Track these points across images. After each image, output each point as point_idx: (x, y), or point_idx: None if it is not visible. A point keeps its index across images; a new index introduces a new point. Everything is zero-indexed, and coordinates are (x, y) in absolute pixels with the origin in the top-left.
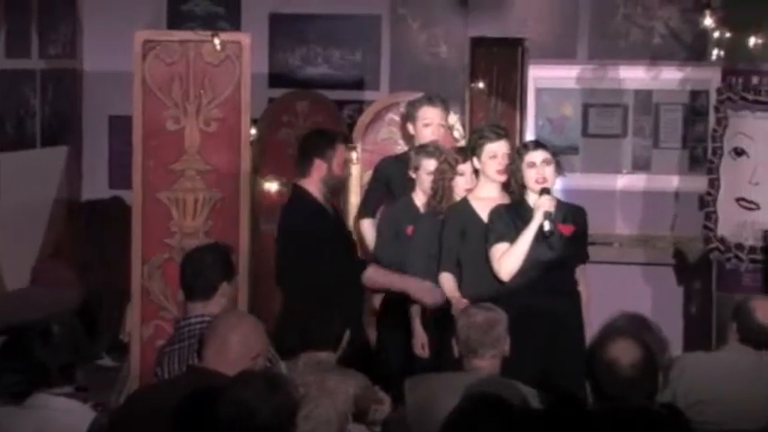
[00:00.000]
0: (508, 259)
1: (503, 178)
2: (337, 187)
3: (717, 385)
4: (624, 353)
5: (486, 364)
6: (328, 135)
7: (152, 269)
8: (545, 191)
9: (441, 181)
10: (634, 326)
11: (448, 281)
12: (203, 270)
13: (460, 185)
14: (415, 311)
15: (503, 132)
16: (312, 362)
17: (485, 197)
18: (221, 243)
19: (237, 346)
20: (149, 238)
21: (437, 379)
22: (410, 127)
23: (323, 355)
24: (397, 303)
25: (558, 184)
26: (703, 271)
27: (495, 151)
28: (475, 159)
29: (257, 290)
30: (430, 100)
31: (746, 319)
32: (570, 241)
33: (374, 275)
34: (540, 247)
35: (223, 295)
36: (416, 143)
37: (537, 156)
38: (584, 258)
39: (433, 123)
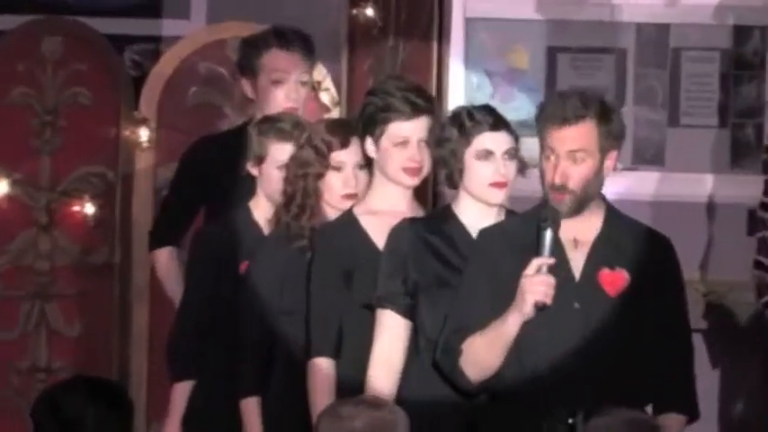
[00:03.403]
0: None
1: (416, 181)
2: None
3: None
4: None
5: None
6: None
7: None
8: (547, 221)
9: (301, 181)
10: None
11: (327, 375)
12: None
13: (335, 189)
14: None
15: (423, 102)
16: None
17: (383, 210)
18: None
19: None
20: None
21: None
22: (247, 86)
23: None
24: None
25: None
26: (755, 341)
27: (408, 135)
28: (368, 143)
29: None
30: (282, 39)
31: None
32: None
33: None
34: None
35: None
36: (258, 114)
37: (494, 140)
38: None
39: (287, 79)
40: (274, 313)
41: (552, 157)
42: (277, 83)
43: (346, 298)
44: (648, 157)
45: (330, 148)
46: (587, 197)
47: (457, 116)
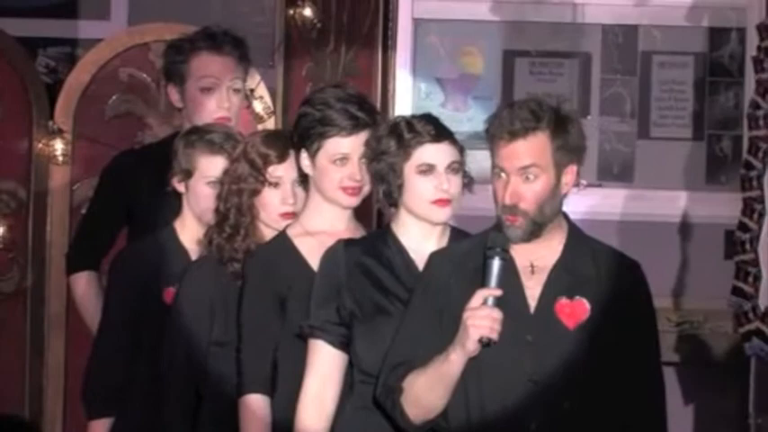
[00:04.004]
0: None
1: (355, 201)
2: None
3: None
4: None
5: None
6: None
7: None
8: (494, 248)
9: (235, 197)
10: None
11: (261, 414)
12: None
13: (272, 206)
14: None
15: (365, 115)
16: None
17: (320, 231)
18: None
19: None
20: None
21: None
22: (173, 93)
23: None
24: None
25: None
26: (733, 376)
27: (348, 151)
28: (303, 158)
29: None
30: (212, 41)
31: None
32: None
33: None
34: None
35: None
36: (186, 124)
37: (436, 153)
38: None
39: (218, 86)
40: (203, 346)
41: (503, 175)
42: (207, 90)
43: (280, 327)
44: (616, 172)
45: (267, 163)
46: (544, 219)
47: (395, 127)
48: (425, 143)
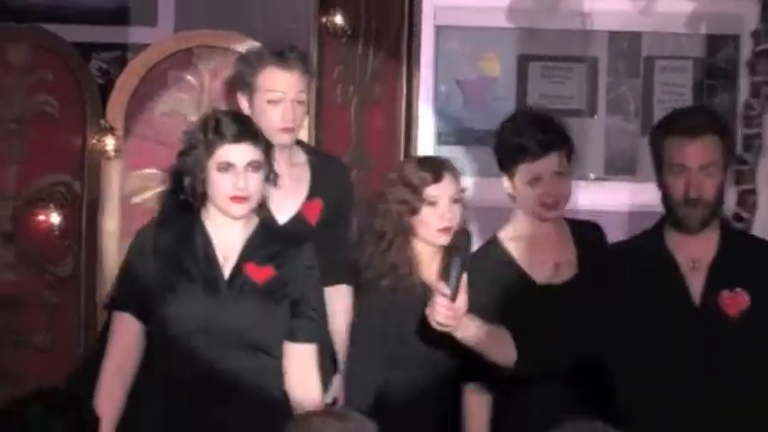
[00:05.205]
0: None
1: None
2: None
3: None
4: None
5: None
6: None
7: None
8: (456, 248)
9: (392, 217)
10: None
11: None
12: None
13: (430, 223)
14: None
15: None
16: None
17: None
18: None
19: None
20: None
21: None
22: (243, 101)
23: None
24: None
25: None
26: None
27: (540, 171)
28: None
29: None
30: (279, 57)
31: None
32: None
33: None
34: None
35: None
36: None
37: (237, 152)
38: None
39: (284, 99)
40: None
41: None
42: (273, 102)
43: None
44: (620, 166)
45: (424, 184)
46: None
47: (203, 125)
48: (226, 143)
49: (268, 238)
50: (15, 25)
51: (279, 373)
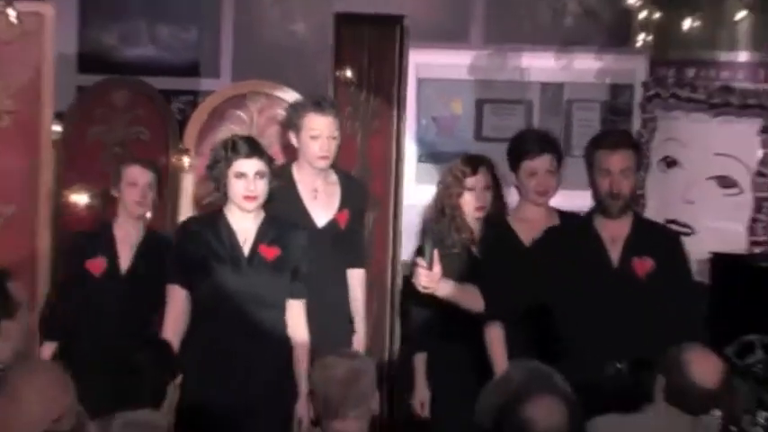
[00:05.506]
0: None
1: (542, 200)
2: None
3: None
4: (545, 414)
5: (350, 426)
6: None
7: None
8: (428, 240)
9: (446, 198)
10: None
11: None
12: None
13: (469, 205)
14: (420, 361)
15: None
16: (132, 424)
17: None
18: None
19: (33, 405)
20: None
21: None
22: (292, 137)
23: (141, 413)
24: None
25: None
26: None
27: (537, 166)
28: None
29: None
30: (318, 105)
31: (677, 374)
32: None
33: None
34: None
35: (7, 338)
36: (300, 159)
37: (247, 165)
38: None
39: (321, 136)
40: None
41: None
42: (314, 138)
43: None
44: None
45: (465, 175)
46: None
47: (224, 146)
48: (240, 158)
49: (273, 226)
50: (119, 77)
51: (284, 321)
